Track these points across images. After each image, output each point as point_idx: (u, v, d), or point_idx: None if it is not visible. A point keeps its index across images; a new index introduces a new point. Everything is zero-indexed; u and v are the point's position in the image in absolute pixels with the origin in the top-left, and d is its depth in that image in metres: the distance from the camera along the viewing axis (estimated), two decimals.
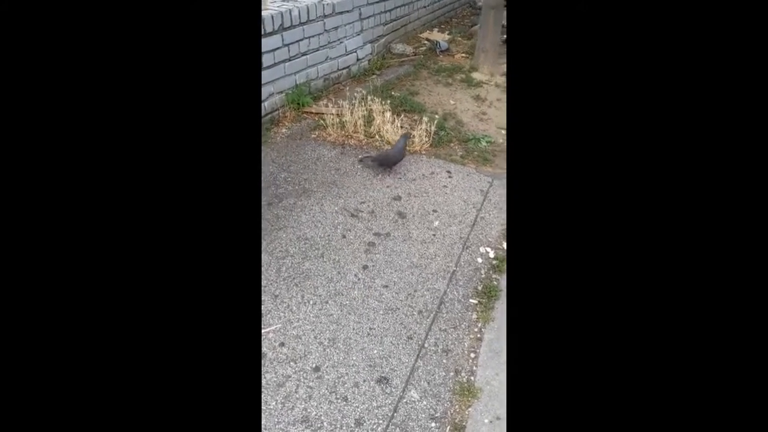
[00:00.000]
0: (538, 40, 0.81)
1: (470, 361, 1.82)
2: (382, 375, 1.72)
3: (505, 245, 2.44)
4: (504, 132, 3.59)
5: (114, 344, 0.75)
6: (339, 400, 1.63)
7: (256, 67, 0.91)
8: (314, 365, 1.75)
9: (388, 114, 3.28)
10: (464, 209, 2.69)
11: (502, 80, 4.41)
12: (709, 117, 0.74)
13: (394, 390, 1.68)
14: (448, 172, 3.02)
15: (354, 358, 1.78)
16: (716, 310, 0.72)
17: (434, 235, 2.47)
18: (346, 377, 1.71)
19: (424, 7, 5.68)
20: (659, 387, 0.73)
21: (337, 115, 3.41)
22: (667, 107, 0.76)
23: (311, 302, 2.02)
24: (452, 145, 3.35)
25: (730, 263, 0.72)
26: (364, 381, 1.70)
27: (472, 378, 1.75)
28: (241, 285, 0.80)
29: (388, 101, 3.48)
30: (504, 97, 4.16)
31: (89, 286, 0.74)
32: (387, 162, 2.93)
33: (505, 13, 4.50)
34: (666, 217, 0.75)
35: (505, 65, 4.75)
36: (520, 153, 0.83)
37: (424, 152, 3.21)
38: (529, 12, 0.82)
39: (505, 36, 5.31)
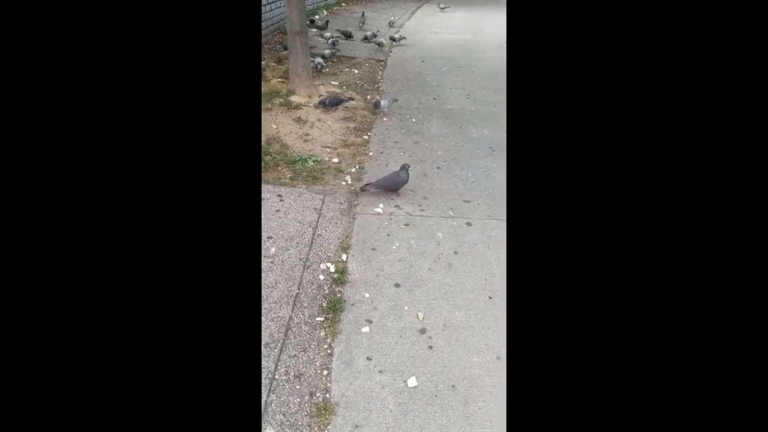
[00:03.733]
0: (538, 39, 0.80)
1: (323, 379, 1.81)
2: None
3: (344, 257, 2.51)
4: (329, 150, 3.71)
5: (113, 344, 0.76)
6: None
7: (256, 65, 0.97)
8: None
9: None
10: (300, 230, 2.69)
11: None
12: (708, 117, 0.75)
13: None
14: (279, 195, 2.99)
15: None
16: (712, 306, 0.73)
17: (272, 262, 2.41)
18: None
19: None
20: (660, 395, 0.73)
21: None
22: (667, 109, 0.76)
23: None
24: (280, 168, 3.34)
25: (727, 265, 0.73)
26: None
27: (327, 395, 1.74)
28: (240, 285, 0.82)
29: None
30: (324, 117, 4.32)
31: (78, 283, 0.75)
32: (394, 187, 3.06)
33: (308, 36, 4.68)
34: (665, 220, 0.75)
35: (321, 86, 4.94)
36: (520, 153, 0.82)
37: None
38: (529, 12, 0.80)
39: (316, 60, 5.51)
